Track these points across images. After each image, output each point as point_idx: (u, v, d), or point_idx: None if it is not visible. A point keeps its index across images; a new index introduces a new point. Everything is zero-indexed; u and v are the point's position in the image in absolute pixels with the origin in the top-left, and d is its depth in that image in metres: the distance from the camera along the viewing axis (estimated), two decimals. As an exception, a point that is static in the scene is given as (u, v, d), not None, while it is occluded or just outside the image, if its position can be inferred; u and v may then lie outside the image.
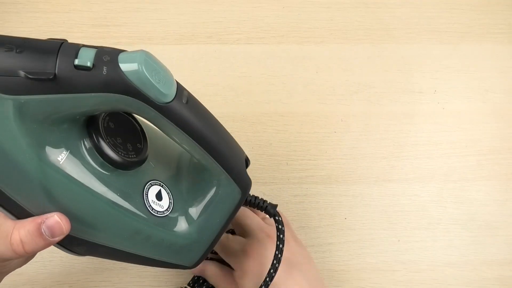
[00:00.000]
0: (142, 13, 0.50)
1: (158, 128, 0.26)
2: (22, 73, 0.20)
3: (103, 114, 0.26)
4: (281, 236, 0.32)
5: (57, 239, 0.23)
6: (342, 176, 0.47)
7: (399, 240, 0.45)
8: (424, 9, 0.54)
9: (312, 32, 0.52)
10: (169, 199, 0.28)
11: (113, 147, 0.25)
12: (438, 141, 0.49)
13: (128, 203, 0.26)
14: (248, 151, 0.47)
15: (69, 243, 0.26)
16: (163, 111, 0.23)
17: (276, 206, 0.33)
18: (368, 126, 0.49)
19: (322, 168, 0.47)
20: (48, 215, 0.23)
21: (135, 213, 0.26)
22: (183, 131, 0.25)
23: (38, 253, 0.42)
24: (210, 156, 0.27)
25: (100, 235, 0.26)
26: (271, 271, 0.31)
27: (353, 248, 0.44)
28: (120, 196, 0.25)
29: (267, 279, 0.31)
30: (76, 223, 0.24)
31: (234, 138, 0.42)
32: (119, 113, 0.27)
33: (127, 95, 0.22)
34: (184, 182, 0.30)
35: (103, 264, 0.43)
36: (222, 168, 0.28)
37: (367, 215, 0.45)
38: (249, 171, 0.41)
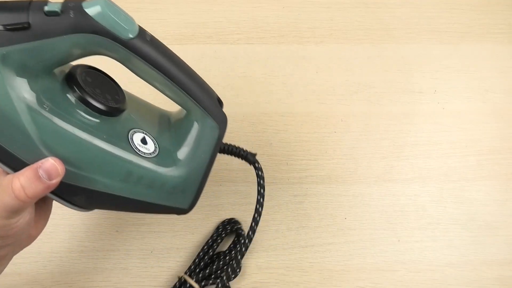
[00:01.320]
0: (142, 13, 0.50)
1: (130, 69, 0.29)
2: (0, 27, 0.23)
3: (80, 71, 0.28)
4: (261, 182, 0.35)
5: (54, 181, 0.25)
6: (342, 176, 0.47)
7: (399, 240, 0.45)
8: (424, 9, 0.54)
9: (312, 32, 0.52)
10: (154, 144, 0.30)
11: (93, 95, 0.27)
12: (438, 141, 0.49)
13: (116, 146, 0.28)
14: (248, 151, 0.47)
15: (68, 194, 0.28)
16: (130, 46, 0.26)
17: (255, 154, 0.35)
18: (368, 126, 0.49)
19: (322, 168, 0.47)
20: (43, 160, 0.25)
21: (124, 154, 0.28)
22: (151, 66, 0.27)
23: (38, 253, 0.42)
24: (181, 89, 0.29)
25: (94, 180, 0.28)
26: (256, 215, 0.34)
27: (353, 248, 0.44)
28: (106, 140, 0.27)
29: (253, 224, 0.34)
30: (70, 168, 0.26)
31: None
32: (95, 71, 0.30)
33: (95, 34, 0.25)
34: (166, 133, 0.33)
35: (103, 264, 0.43)
36: (195, 102, 0.30)
37: (367, 215, 0.45)
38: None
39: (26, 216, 0.27)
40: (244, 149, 0.36)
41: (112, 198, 0.29)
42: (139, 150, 0.29)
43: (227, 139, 0.47)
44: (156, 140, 0.31)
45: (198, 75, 0.31)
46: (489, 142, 0.49)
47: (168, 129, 0.33)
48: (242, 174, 0.46)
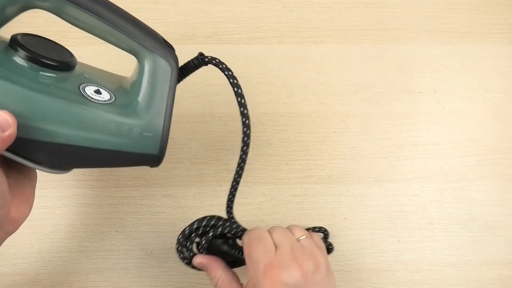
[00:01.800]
0: (142, 13, 0.50)
1: (66, 19, 0.29)
2: None
3: (22, 36, 0.29)
4: (234, 81, 0.33)
5: (7, 133, 0.25)
6: (342, 176, 0.47)
7: (399, 240, 0.45)
8: (424, 9, 0.54)
9: (312, 32, 0.52)
10: (109, 93, 0.31)
11: (37, 52, 0.28)
12: (438, 141, 0.49)
13: (66, 96, 0.28)
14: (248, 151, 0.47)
15: (29, 151, 0.28)
16: None
17: (201, 54, 0.34)
18: (368, 126, 0.49)
19: (322, 168, 0.47)
20: None
21: (75, 102, 0.28)
22: (85, 9, 0.28)
23: (38, 253, 0.42)
24: (123, 32, 0.30)
25: (51, 131, 0.28)
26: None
27: (353, 248, 0.44)
28: (56, 92, 0.28)
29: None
30: (23, 122, 0.26)
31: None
32: (38, 37, 0.31)
33: None
34: (122, 87, 0.33)
35: (103, 264, 0.43)
36: (139, 42, 0.30)
37: (367, 215, 0.46)
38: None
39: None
40: (191, 59, 0.34)
41: (76, 150, 0.29)
42: (92, 98, 0.29)
43: (227, 138, 0.47)
44: (111, 91, 0.31)
45: (138, 19, 0.32)
46: (489, 142, 0.49)
47: (123, 85, 0.34)
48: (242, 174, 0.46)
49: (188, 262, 0.38)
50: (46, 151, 0.28)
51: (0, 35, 0.30)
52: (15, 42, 0.28)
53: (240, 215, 0.44)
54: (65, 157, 0.29)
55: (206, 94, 0.47)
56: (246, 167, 0.46)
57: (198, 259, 0.37)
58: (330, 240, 0.44)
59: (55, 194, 0.36)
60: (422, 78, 0.51)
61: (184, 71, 0.34)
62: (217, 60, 0.34)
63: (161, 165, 0.34)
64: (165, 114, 0.31)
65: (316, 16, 0.52)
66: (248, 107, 0.50)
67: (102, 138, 0.29)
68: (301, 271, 0.31)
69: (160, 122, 0.31)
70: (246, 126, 0.34)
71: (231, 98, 0.48)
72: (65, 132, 0.28)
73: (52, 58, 0.29)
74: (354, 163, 0.47)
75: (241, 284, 0.35)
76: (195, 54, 0.50)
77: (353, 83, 0.50)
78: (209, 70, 0.49)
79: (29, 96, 0.27)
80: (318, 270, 0.32)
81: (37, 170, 0.32)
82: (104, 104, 0.30)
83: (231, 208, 0.38)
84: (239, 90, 0.33)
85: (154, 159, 0.32)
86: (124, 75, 0.35)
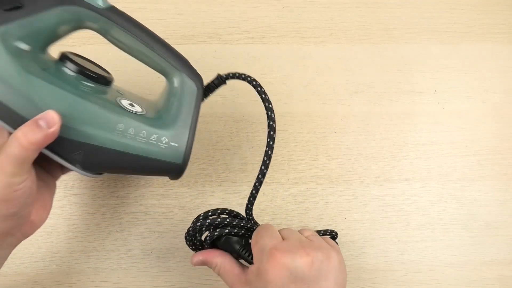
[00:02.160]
0: (142, 13, 0.50)
1: (110, 40, 0.34)
2: (1, 11, 0.28)
3: (70, 53, 0.33)
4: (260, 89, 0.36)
5: (52, 130, 0.28)
6: (342, 176, 0.47)
7: (399, 240, 0.45)
8: (424, 9, 0.54)
9: (312, 32, 0.52)
10: (141, 107, 0.35)
11: (83, 66, 0.33)
12: (438, 141, 0.49)
13: (105, 104, 0.32)
14: (248, 151, 0.47)
15: (65, 149, 0.31)
16: (106, 14, 0.32)
17: (220, 75, 0.37)
18: (368, 126, 0.49)
19: (322, 168, 0.47)
20: (42, 113, 0.28)
21: (113, 109, 0.32)
22: (127, 31, 0.33)
23: (38, 253, 0.42)
24: (157, 53, 0.34)
25: (89, 134, 0.31)
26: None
27: (353, 248, 0.44)
28: (97, 100, 0.31)
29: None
30: (67, 124, 0.29)
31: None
32: (82, 57, 0.35)
33: (75, 5, 0.31)
34: (152, 103, 0.37)
35: (103, 264, 0.43)
36: (170, 63, 0.34)
37: (367, 215, 0.46)
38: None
39: (28, 182, 0.29)
40: (216, 76, 0.37)
41: (109, 153, 0.31)
42: (126, 107, 0.33)
43: (227, 138, 0.47)
44: (142, 106, 0.35)
45: (169, 44, 0.35)
46: (489, 142, 0.49)
47: (152, 103, 0.38)
48: (242, 174, 0.46)
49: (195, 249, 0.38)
50: (82, 152, 0.31)
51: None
52: (65, 57, 0.33)
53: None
54: (98, 159, 0.32)
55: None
56: (246, 167, 0.46)
57: (195, 259, 0.36)
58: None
59: (55, 194, 0.36)
60: (422, 78, 0.51)
61: (207, 90, 0.37)
62: (239, 75, 0.37)
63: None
64: (190, 128, 0.34)
65: (316, 16, 0.52)
66: (248, 107, 0.50)
67: (134, 144, 0.32)
68: (307, 258, 0.31)
69: (185, 135, 0.34)
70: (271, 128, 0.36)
71: (231, 98, 0.48)
72: (102, 136, 0.31)
73: (94, 72, 0.33)
74: (354, 163, 0.47)
75: (243, 267, 0.35)
76: (195, 54, 0.50)
77: (353, 83, 0.50)
78: (209, 70, 0.49)
79: (74, 100, 0.30)
80: (327, 261, 0.31)
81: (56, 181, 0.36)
82: (137, 114, 0.33)
83: (251, 209, 0.38)
84: (266, 97, 0.36)
85: (177, 169, 0.34)
86: (151, 98, 0.40)
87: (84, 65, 0.33)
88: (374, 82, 0.50)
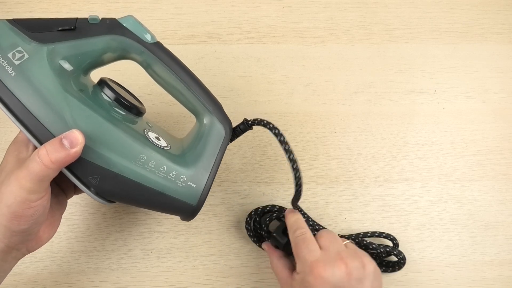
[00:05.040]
0: (142, 13, 0.50)
1: (151, 74, 0.35)
2: (55, 30, 0.30)
3: (109, 80, 0.35)
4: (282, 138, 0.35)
5: (75, 150, 0.28)
6: (342, 176, 0.47)
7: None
8: (424, 9, 0.54)
9: (312, 32, 0.52)
10: (167, 142, 0.35)
11: (119, 94, 0.34)
12: (438, 141, 0.49)
13: (132, 134, 0.32)
14: (248, 151, 0.47)
15: (84, 172, 0.31)
16: (152, 49, 0.33)
17: (246, 120, 0.37)
18: (368, 126, 0.49)
19: (322, 168, 0.47)
20: (68, 131, 0.29)
21: (139, 140, 0.32)
22: (170, 69, 0.33)
23: (38, 253, 0.42)
24: (194, 93, 0.34)
25: (110, 160, 0.31)
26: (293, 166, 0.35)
27: (353, 248, 0.44)
28: (125, 128, 0.32)
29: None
30: (90, 146, 0.30)
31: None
32: (120, 84, 0.36)
33: (124, 36, 0.32)
34: (178, 141, 0.38)
35: (103, 264, 0.43)
36: (204, 104, 0.35)
37: (367, 215, 0.46)
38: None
39: (44, 200, 0.29)
40: (237, 124, 0.37)
41: (126, 182, 0.31)
42: (152, 140, 0.33)
43: (227, 139, 0.47)
44: (168, 142, 0.35)
45: (205, 85, 0.36)
46: (489, 142, 0.49)
47: (179, 141, 0.38)
48: (242, 174, 0.46)
49: (255, 240, 0.43)
50: (99, 176, 0.31)
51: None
52: (103, 82, 0.34)
53: (241, 215, 0.45)
54: (113, 186, 0.32)
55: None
56: (246, 167, 0.46)
57: (264, 246, 0.41)
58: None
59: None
60: (422, 78, 0.51)
61: (233, 135, 0.37)
62: (264, 122, 0.36)
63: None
64: (211, 171, 0.34)
65: (316, 16, 0.52)
66: (248, 107, 0.50)
67: (152, 177, 0.32)
68: (346, 269, 0.32)
69: (205, 177, 0.34)
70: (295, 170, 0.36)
71: (231, 98, 0.48)
72: (121, 163, 0.31)
73: (128, 100, 0.34)
74: (354, 163, 0.47)
75: (292, 272, 0.37)
76: (195, 54, 0.50)
77: (353, 83, 0.50)
78: (209, 70, 0.49)
79: (101, 123, 0.30)
80: (363, 269, 0.33)
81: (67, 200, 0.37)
82: (161, 148, 0.33)
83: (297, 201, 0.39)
84: (287, 147, 0.35)
85: (190, 210, 0.34)
86: (180, 137, 0.40)
87: (119, 93, 0.34)
88: (374, 82, 0.50)
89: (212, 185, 0.46)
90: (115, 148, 0.31)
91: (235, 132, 0.37)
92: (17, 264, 0.42)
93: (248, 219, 0.43)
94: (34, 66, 0.29)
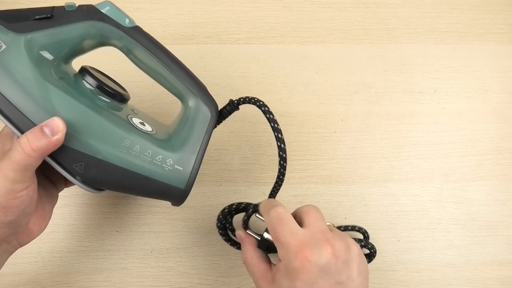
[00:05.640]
0: (142, 13, 0.50)
1: (132, 59, 0.34)
2: (32, 19, 0.30)
3: (90, 68, 0.34)
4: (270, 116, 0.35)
5: (56, 137, 0.28)
6: (342, 176, 0.47)
7: (399, 240, 0.45)
8: (424, 9, 0.54)
9: (312, 32, 0.52)
10: (152, 128, 0.35)
11: (101, 81, 0.33)
12: (438, 141, 0.49)
13: (116, 119, 0.32)
14: (248, 151, 0.47)
15: (68, 160, 0.30)
16: (131, 33, 0.33)
17: (232, 100, 0.37)
18: (368, 126, 0.49)
19: (322, 168, 0.47)
20: (48, 119, 0.28)
21: (122, 125, 0.32)
22: (149, 52, 0.33)
23: (38, 253, 0.42)
24: (175, 75, 0.34)
25: (94, 146, 0.30)
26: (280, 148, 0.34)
27: (353, 248, 0.44)
28: (108, 114, 0.32)
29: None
30: (72, 133, 0.30)
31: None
32: (102, 72, 0.36)
33: (102, 21, 0.32)
34: (164, 126, 0.37)
35: (103, 264, 0.43)
36: (187, 87, 0.34)
37: (367, 215, 0.46)
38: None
39: (29, 191, 0.29)
40: (224, 106, 0.37)
41: (110, 169, 0.31)
42: (137, 126, 0.33)
43: (227, 138, 0.47)
44: (154, 127, 0.35)
45: (188, 69, 0.35)
46: (489, 142, 0.49)
47: (165, 126, 0.37)
48: (242, 174, 0.46)
49: (226, 238, 0.41)
50: (83, 164, 0.31)
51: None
52: (84, 70, 0.33)
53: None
54: (99, 173, 0.31)
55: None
56: (246, 167, 0.46)
57: (238, 231, 0.38)
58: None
59: (55, 194, 0.36)
60: (422, 78, 0.51)
61: (220, 117, 0.37)
62: (251, 99, 0.36)
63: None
64: (197, 154, 0.34)
65: (316, 16, 0.52)
66: (248, 107, 0.50)
67: (137, 162, 0.32)
68: (332, 251, 0.30)
69: (192, 159, 0.33)
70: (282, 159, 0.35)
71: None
72: (105, 149, 0.31)
73: (110, 87, 0.34)
74: (354, 163, 0.47)
75: (270, 265, 0.34)
76: (195, 54, 0.50)
77: (353, 83, 0.50)
78: (209, 70, 0.49)
79: (82, 110, 0.30)
80: (348, 250, 0.31)
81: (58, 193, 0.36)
82: (146, 133, 0.33)
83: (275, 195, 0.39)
84: (276, 125, 0.35)
85: (179, 194, 0.34)
86: (166, 123, 0.39)
87: (101, 80, 0.33)
88: (374, 82, 0.50)
89: (212, 185, 0.46)
90: (98, 134, 0.30)
91: (222, 114, 0.37)
92: (17, 264, 0.42)
93: (220, 216, 0.41)
94: (12, 56, 0.29)
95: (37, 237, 0.39)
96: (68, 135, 0.29)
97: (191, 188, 0.34)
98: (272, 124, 0.35)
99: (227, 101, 0.37)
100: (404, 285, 0.44)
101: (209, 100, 0.35)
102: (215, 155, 0.46)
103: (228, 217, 0.41)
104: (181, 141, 0.34)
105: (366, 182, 0.47)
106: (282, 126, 0.48)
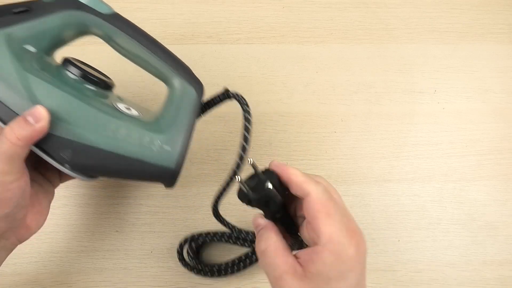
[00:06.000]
0: (142, 13, 0.50)
1: (113, 46, 0.34)
2: (11, 13, 0.30)
3: (73, 59, 0.34)
4: (247, 116, 0.34)
5: (40, 125, 0.28)
6: (342, 176, 0.47)
7: (399, 240, 0.45)
8: (424, 9, 0.54)
9: (312, 32, 0.52)
10: (138, 112, 0.35)
11: (84, 70, 0.33)
12: (438, 141, 0.49)
13: (100, 105, 0.32)
14: (248, 151, 0.47)
15: (54, 148, 0.30)
16: (110, 20, 0.33)
17: (226, 89, 0.36)
18: (368, 126, 0.49)
19: (322, 168, 0.47)
20: (31, 108, 0.28)
21: (107, 110, 0.32)
22: (130, 37, 0.33)
23: (38, 253, 0.42)
24: (158, 58, 0.34)
25: (78, 130, 0.30)
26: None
27: (353, 248, 0.44)
28: (93, 101, 0.32)
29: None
30: (57, 121, 0.29)
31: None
32: (85, 63, 0.36)
33: (80, 10, 0.32)
34: (149, 112, 0.37)
35: (103, 264, 0.43)
36: (171, 69, 0.34)
37: (367, 215, 0.45)
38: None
39: (21, 182, 0.29)
40: (218, 93, 0.37)
41: (99, 153, 0.31)
42: (122, 110, 0.33)
43: (227, 138, 0.47)
44: (140, 111, 0.35)
45: (171, 52, 0.35)
46: (489, 142, 0.49)
47: (151, 111, 0.37)
48: (242, 174, 0.46)
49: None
50: (70, 151, 0.30)
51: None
52: (67, 61, 0.33)
53: (240, 215, 0.44)
54: (87, 159, 0.31)
55: (206, 94, 0.47)
56: (246, 167, 0.46)
57: (258, 219, 0.31)
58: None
59: (55, 194, 0.36)
60: (422, 78, 0.51)
61: (211, 103, 0.37)
62: (239, 96, 0.36)
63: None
64: (185, 133, 0.34)
65: (316, 16, 0.52)
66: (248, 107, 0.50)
67: (124, 145, 0.32)
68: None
69: (180, 139, 0.33)
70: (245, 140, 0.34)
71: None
72: (91, 134, 0.31)
73: (93, 75, 0.34)
74: (354, 163, 0.47)
75: (295, 256, 0.28)
76: (195, 54, 0.50)
77: (353, 83, 0.50)
78: (209, 70, 0.49)
79: (65, 98, 0.30)
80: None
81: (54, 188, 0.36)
82: (131, 117, 0.33)
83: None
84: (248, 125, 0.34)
85: (169, 174, 0.33)
86: (153, 110, 0.39)
87: (84, 69, 0.33)
88: (374, 82, 0.50)
89: (212, 185, 0.46)
90: (82, 120, 0.30)
91: (214, 101, 0.37)
92: (17, 264, 0.42)
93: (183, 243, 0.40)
94: None
95: (37, 238, 0.40)
96: (52, 123, 0.29)
97: (181, 167, 0.33)
98: (245, 116, 0.34)
99: (227, 101, 0.37)
100: (404, 285, 0.44)
101: (193, 79, 0.35)
102: (215, 155, 0.46)
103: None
104: (168, 122, 0.34)
105: (366, 182, 0.47)
106: (282, 126, 0.48)
